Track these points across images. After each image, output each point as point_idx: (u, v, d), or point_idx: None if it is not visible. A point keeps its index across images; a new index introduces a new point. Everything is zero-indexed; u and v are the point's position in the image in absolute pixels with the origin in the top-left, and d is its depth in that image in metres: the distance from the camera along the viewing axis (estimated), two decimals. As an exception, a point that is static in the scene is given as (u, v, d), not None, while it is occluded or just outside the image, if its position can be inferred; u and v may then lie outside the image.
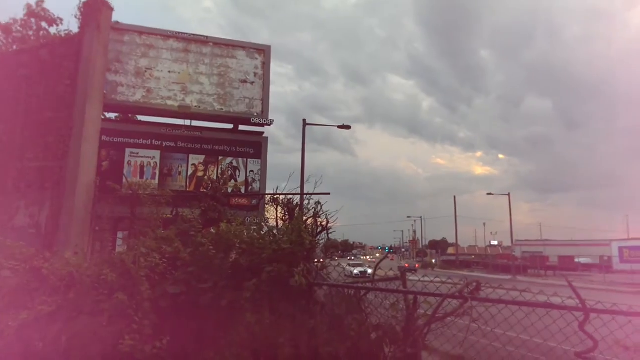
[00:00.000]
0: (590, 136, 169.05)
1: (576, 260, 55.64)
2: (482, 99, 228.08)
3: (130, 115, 14.60)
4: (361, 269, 36.52)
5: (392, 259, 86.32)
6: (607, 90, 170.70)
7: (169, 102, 13.52)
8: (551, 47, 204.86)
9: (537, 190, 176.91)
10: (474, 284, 4.17)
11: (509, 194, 54.62)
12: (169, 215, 11.15)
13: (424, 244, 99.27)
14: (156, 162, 13.40)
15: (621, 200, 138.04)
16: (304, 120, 23.70)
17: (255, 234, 5.29)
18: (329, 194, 10.70)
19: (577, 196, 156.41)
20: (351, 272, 33.65)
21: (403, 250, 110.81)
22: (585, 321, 3.63)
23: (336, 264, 5.53)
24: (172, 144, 13.68)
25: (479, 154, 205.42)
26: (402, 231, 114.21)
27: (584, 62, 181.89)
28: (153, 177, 13.24)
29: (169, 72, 13.69)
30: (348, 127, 25.92)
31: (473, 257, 79.39)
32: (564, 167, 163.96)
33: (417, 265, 58.07)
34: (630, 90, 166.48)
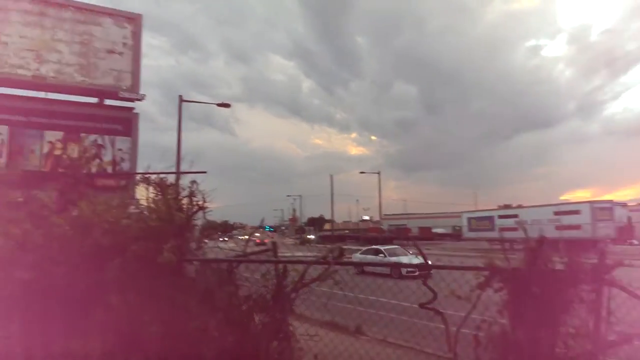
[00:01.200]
0: (446, 120, 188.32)
1: (433, 230, 62.52)
2: (357, 82, 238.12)
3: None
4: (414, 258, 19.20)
5: (272, 237, 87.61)
6: (460, 79, 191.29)
7: (20, 71, 11.85)
8: (417, 37, 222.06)
9: (403, 169, 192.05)
10: (337, 250, 4.55)
11: (379, 173, 58.99)
12: (20, 199, 9.96)
13: (303, 221, 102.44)
14: (3, 139, 11.77)
15: (471, 177, 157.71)
16: (180, 97, 22.83)
17: (121, 213, 5.05)
18: (205, 172, 10.46)
19: (435, 174, 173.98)
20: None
21: (282, 228, 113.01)
22: (427, 277, 4.27)
23: (213, 245, 5.56)
24: (24, 119, 12.08)
25: (353, 135, 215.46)
26: (282, 210, 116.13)
27: (442, 52, 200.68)
28: (0, 156, 11.63)
29: (20, 37, 11.94)
30: (227, 105, 25.31)
31: (347, 231, 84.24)
32: (425, 148, 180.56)
33: (266, 240, 61.46)
34: (479, 79, 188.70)
